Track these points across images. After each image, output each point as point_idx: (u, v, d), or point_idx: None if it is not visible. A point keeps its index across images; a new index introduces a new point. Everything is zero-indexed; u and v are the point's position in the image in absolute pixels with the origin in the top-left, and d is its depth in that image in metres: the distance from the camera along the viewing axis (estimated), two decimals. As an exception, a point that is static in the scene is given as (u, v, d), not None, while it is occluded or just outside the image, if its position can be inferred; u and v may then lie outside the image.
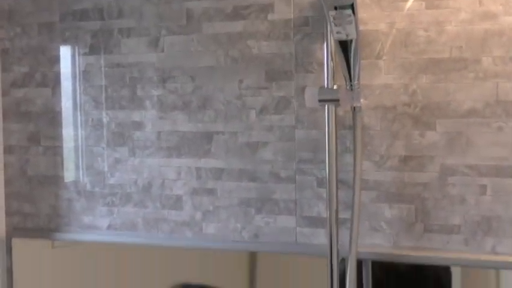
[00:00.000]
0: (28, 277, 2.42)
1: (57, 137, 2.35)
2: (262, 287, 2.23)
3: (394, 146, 1.95)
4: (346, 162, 1.97)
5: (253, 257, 2.23)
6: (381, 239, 1.97)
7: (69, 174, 2.35)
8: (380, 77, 1.95)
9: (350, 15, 1.76)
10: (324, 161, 1.93)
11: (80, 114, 2.31)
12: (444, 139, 1.90)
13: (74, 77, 2.31)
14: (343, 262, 1.93)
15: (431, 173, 1.91)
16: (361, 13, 1.93)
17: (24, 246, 2.41)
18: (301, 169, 2.05)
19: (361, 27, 1.91)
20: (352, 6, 1.76)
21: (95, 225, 2.31)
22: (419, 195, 1.92)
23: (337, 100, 1.89)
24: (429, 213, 1.92)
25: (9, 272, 2.41)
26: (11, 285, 2.41)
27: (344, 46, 1.82)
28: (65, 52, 2.33)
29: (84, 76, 2.30)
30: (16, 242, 2.41)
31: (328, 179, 1.91)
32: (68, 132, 2.34)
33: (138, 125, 2.24)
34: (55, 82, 2.34)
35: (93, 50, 2.28)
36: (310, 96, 2.02)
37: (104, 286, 2.36)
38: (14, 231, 2.42)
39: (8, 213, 2.42)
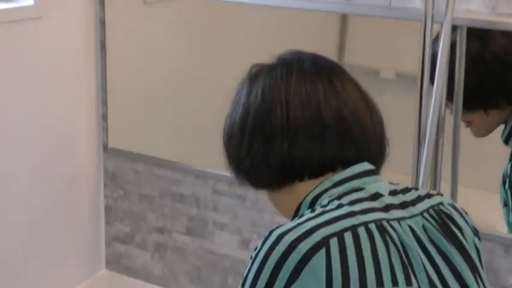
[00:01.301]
0: (120, 30, 2.44)
1: None
2: (352, 51, 2.21)
3: None
4: None
5: (344, 19, 2.19)
6: (478, 5, 1.89)
7: None
8: None
9: None
10: None
11: None
12: None
13: None
14: (437, 27, 1.87)
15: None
16: None
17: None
18: None
19: None
20: None
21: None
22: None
23: None
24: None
25: (102, 23, 2.42)
26: (104, 36, 2.44)
27: None
28: None
29: None
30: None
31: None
32: None
33: None
34: None
35: None
36: None
37: (196, 43, 2.38)
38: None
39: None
